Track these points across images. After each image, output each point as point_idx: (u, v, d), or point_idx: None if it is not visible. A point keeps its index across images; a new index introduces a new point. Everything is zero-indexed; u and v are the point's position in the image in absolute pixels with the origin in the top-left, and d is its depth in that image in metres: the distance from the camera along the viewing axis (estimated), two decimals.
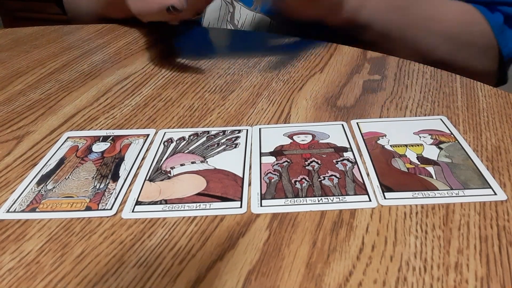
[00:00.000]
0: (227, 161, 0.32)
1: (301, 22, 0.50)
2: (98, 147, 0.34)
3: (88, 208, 0.28)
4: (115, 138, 0.35)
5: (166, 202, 0.28)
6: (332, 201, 0.27)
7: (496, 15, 0.51)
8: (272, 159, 0.32)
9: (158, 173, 0.31)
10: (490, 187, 0.28)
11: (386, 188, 0.28)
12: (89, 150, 0.34)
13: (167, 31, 0.57)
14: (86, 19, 0.63)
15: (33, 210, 0.28)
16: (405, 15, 0.51)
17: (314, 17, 0.49)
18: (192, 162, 0.32)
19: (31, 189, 0.30)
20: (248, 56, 0.49)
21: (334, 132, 0.35)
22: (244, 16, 0.59)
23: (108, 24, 0.60)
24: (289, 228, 0.26)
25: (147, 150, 0.33)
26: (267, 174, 0.30)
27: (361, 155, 0.32)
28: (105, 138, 0.35)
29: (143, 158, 0.32)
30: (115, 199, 0.28)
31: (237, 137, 0.34)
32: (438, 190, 0.28)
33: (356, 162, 0.31)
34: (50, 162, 0.32)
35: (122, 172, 0.31)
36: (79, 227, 0.26)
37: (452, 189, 0.28)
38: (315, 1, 0.46)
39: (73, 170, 0.31)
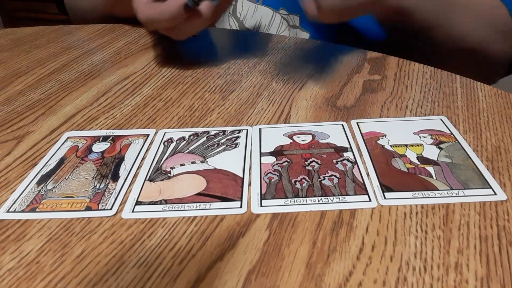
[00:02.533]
0: (227, 161, 0.32)
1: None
2: (98, 147, 0.34)
3: (88, 208, 0.28)
4: (115, 138, 0.35)
5: (166, 202, 0.28)
6: (332, 201, 0.27)
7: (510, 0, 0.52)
8: (272, 159, 0.32)
9: (158, 173, 0.31)
10: (490, 187, 0.28)
11: (386, 188, 0.28)
12: (89, 150, 0.34)
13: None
14: (89, 18, 0.63)
15: (33, 210, 0.28)
16: (443, 4, 0.50)
17: (359, 14, 0.47)
18: (192, 162, 0.32)
19: (31, 189, 0.30)
20: (248, 56, 0.49)
21: (334, 132, 0.35)
22: (246, 9, 0.59)
23: (108, 24, 0.60)
24: (289, 228, 0.26)
25: (147, 150, 0.33)
26: (267, 174, 0.30)
27: (361, 155, 0.32)
28: (105, 138, 0.35)
29: (143, 158, 0.32)
30: (115, 199, 0.28)
31: (237, 137, 0.34)
32: (438, 190, 0.28)
33: (356, 162, 0.31)
34: (50, 162, 0.32)
35: (122, 172, 0.31)
36: (79, 227, 0.26)
37: (452, 189, 0.28)
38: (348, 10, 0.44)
39: (73, 170, 0.31)
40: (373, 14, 0.50)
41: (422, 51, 0.52)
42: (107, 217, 0.27)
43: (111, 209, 0.27)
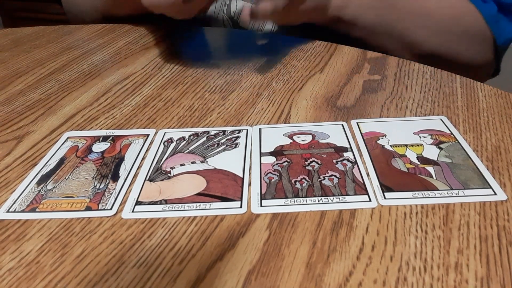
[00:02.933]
0: (227, 161, 0.32)
1: (290, 26, 0.50)
2: (98, 147, 0.34)
3: (88, 208, 0.28)
4: (115, 138, 0.35)
5: (166, 202, 0.28)
6: (332, 201, 0.27)
7: (489, 5, 0.51)
8: (272, 159, 0.32)
9: (158, 173, 0.31)
10: (490, 187, 0.28)
11: (386, 188, 0.28)
12: (89, 150, 0.34)
13: (167, 31, 0.57)
14: (87, 19, 0.63)
15: (33, 210, 0.28)
16: (392, 11, 0.51)
17: (300, 21, 0.49)
18: (192, 162, 0.32)
19: (31, 189, 0.30)
20: (248, 56, 0.49)
21: (334, 132, 0.35)
22: (240, 8, 0.59)
23: (108, 24, 0.60)
24: (289, 228, 0.26)
25: (147, 150, 0.33)
26: (267, 174, 0.30)
27: (361, 155, 0.32)
28: (105, 138, 0.35)
29: (143, 158, 0.32)
30: (115, 199, 0.28)
31: (237, 137, 0.34)
32: (438, 190, 0.28)
33: (356, 162, 0.31)
34: (50, 162, 0.32)
35: (122, 172, 0.31)
36: (79, 227, 0.26)
37: (452, 189, 0.28)
38: (293, 13, 0.46)
39: (73, 170, 0.31)
40: (315, 21, 0.51)
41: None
42: (107, 217, 0.27)
43: (111, 209, 0.27)
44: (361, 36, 0.52)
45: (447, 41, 0.52)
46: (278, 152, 0.33)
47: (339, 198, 0.28)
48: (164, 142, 0.34)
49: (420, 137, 0.34)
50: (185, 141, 0.34)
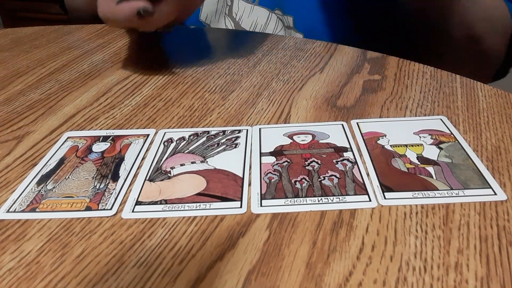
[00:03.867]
0: (227, 161, 0.32)
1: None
2: (98, 147, 0.34)
3: (88, 208, 0.28)
4: (115, 138, 0.35)
5: (166, 202, 0.28)
6: (332, 201, 0.27)
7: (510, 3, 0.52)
8: (272, 159, 0.32)
9: (158, 173, 0.31)
10: (490, 187, 0.28)
11: (386, 188, 0.28)
12: (89, 150, 0.34)
13: (167, 31, 0.57)
14: (83, 18, 0.63)
15: (33, 210, 0.28)
16: None
17: None
18: (192, 162, 0.32)
19: (31, 189, 0.30)
20: (248, 56, 0.49)
21: (334, 132, 0.35)
22: (242, 9, 0.59)
23: None
24: (289, 228, 0.26)
25: (147, 150, 0.33)
26: (267, 174, 0.30)
27: (361, 155, 0.32)
28: (105, 138, 0.35)
29: (143, 158, 0.32)
30: (115, 199, 0.28)
31: (237, 137, 0.34)
32: (438, 190, 0.28)
33: (356, 162, 0.31)
34: (50, 162, 0.32)
35: (122, 172, 0.31)
36: (79, 227, 0.26)
37: (452, 189, 0.28)
38: None
39: (73, 170, 0.31)
40: None
41: (424, 44, 0.52)
42: (107, 217, 0.27)
43: (111, 209, 0.27)
44: (427, 9, 0.50)
45: (488, 27, 0.52)
46: (278, 152, 0.33)
47: (339, 198, 0.28)
48: (164, 142, 0.34)
49: (420, 137, 0.34)
50: (185, 141, 0.34)
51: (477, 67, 0.45)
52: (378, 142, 0.33)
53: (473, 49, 0.49)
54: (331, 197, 0.28)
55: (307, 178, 0.30)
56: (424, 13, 0.51)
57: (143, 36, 0.56)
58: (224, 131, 0.35)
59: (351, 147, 0.33)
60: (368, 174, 0.30)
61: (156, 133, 0.36)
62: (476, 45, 0.50)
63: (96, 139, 0.35)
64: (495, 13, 0.52)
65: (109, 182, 0.30)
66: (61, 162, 0.32)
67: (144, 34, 0.55)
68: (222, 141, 0.34)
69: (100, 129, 0.36)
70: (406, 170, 0.30)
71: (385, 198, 0.28)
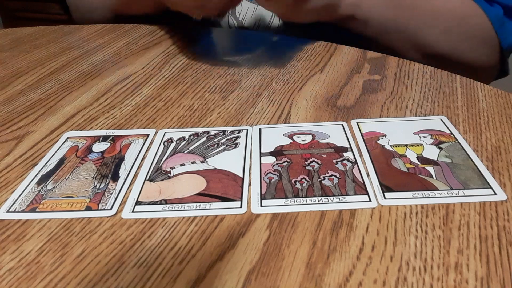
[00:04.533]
0: (227, 161, 0.32)
1: (301, 24, 0.50)
2: (98, 147, 0.34)
3: (88, 208, 0.28)
4: (115, 138, 0.35)
5: (166, 202, 0.28)
6: (332, 201, 0.27)
7: (495, 8, 0.51)
8: (272, 159, 0.32)
9: (158, 173, 0.31)
10: (490, 187, 0.28)
11: (386, 188, 0.28)
12: (89, 150, 0.34)
13: (167, 31, 0.57)
14: (96, 17, 0.63)
15: (33, 210, 0.28)
16: (403, 10, 0.51)
17: (310, 19, 0.49)
18: (192, 162, 0.32)
19: (31, 189, 0.30)
20: (248, 56, 0.49)
21: (334, 132, 0.35)
22: (246, 9, 0.59)
23: (108, 24, 0.60)
24: (289, 228, 0.26)
25: (147, 150, 0.33)
26: (267, 174, 0.30)
27: (361, 155, 0.32)
28: (105, 138, 0.35)
29: (143, 158, 0.32)
30: (115, 199, 0.28)
31: (237, 137, 0.34)
32: (438, 190, 0.28)
33: (356, 162, 0.31)
34: (50, 162, 0.32)
35: (122, 172, 0.31)
36: (79, 227, 0.26)
37: (452, 189, 0.28)
38: (302, 10, 0.46)
39: (73, 170, 0.31)
40: (326, 19, 0.51)
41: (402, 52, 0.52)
42: (107, 217, 0.27)
43: (111, 209, 0.27)
44: (372, 35, 0.51)
45: (455, 42, 0.52)
46: (278, 152, 0.33)
47: (339, 198, 0.28)
48: (164, 142, 0.34)
49: (420, 137, 0.34)
50: (185, 141, 0.34)
51: (468, 74, 0.45)
52: (378, 142, 0.33)
53: (443, 63, 0.49)
54: (331, 197, 0.28)
55: (307, 178, 0.30)
56: (372, 39, 0.52)
57: (144, 36, 0.56)
58: (224, 131, 0.35)
59: (351, 147, 0.33)
60: (368, 174, 0.30)
61: (156, 133, 0.36)
62: (444, 60, 0.49)
63: (96, 139, 0.35)
64: (465, 27, 0.51)
65: (109, 182, 0.30)
66: (61, 162, 0.32)
67: (156, 28, 0.56)
68: (222, 141, 0.34)
69: (100, 129, 0.36)
70: (406, 170, 0.30)
71: (385, 198, 0.28)
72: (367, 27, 0.51)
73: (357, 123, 0.36)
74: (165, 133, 0.35)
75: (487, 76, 0.57)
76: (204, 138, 0.35)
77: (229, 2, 0.44)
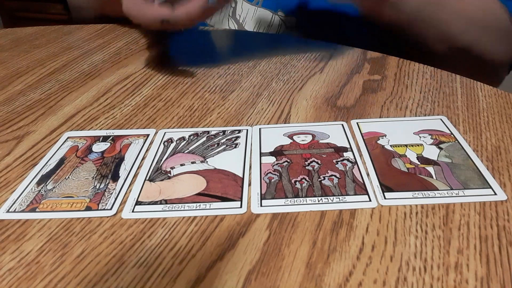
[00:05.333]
0: (227, 161, 0.32)
1: (301, 25, 0.50)
2: (98, 147, 0.34)
3: (88, 208, 0.28)
4: (115, 138, 0.35)
5: (166, 202, 0.28)
6: (332, 201, 0.27)
7: (510, 3, 0.51)
8: (272, 159, 0.32)
9: (158, 173, 0.31)
10: (490, 187, 0.28)
11: (386, 188, 0.28)
12: (89, 150, 0.34)
13: (167, 32, 0.57)
14: (86, 17, 0.63)
15: (33, 210, 0.28)
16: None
17: None
18: (192, 162, 0.32)
19: (31, 189, 0.30)
20: (248, 56, 0.49)
21: (334, 132, 0.35)
22: (246, 11, 0.59)
23: (108, 24, 0.60)
24: (289, 228, 0.26)
25: (147, 150, 0.33)
26: (267, 174, 0.30)
27: (361, 155, 0.32)
28: (105, 138, 0.35)
29: (143, 158, 0.32)
30: (115, 199, 0.28)
31: (237, 137, 0.34)
32: (438, 190, 0.28)
33: (356, 162, 0.31)
34: (50, 162, 0.32)
35: (122, 172, 0.31)
36: (79, 227, 0.26)
37: (452, 189, 0.28)
38: None
39: (73, 170, 0.31)
40: (360, 1, 0.50)
41: (415, 48, 0.52)
42: (107, 217, 0.27)
43: (111, 209, 0.27)
44: (404, 21, 0.50)
45: (479, 34, 0.51)
46: (278, 152, 0.33)
47: (339, 198, 0.28)
48: (164, 142, 0.34)
49: (420, 137, 0.34)
50: (185, 141, 0.34)
51: (476, 72, 0.45)
52: (378, 142, 0.33)
53: (463, 58, 0.49)
54: (331, 197, 0.28)
55: (307, 178, 0.30)
56: (401, 29, 0.51)
57: (143, 36, 0.56)
58: (224, 131, 0.35)
59: (351, 147, 0.33)
60: (368, 174, 0.30)
61: (156, 133, 0.36)
62: (465, 54, 0.49)
63: (96, 139, 0.35)
64: (488, 19, 0.51)
65: (109, 182, 0.30)
66: (61, 162, 0.32)
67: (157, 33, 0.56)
68: (222, 141, 0.34)
69: (100, 129, 0.36)
70: (406, 170, 0.30)
71: (385, 198, 0.28)
72: (399, 12, 0.49)
73: (357, 123, 0.36)
74: (165, 133, 0.35)
75: (502, 74, 0.57)
76: (204, 138, 0.35)
77: (188, 24, 0.43)
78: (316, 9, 0.57)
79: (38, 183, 0.30)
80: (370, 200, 0.28)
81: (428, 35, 0.50)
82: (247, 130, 0.36)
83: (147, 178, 0.30)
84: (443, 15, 0.50)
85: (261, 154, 0.32)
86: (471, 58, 0.48)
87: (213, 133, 0.35)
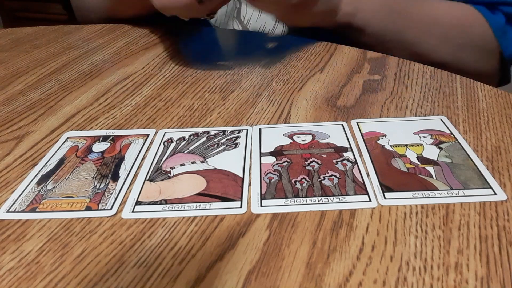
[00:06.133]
0: (227, 161, 0.32)
1: (299, 28, 0.50)
2: (98, 147, 0.34)
3: (88, 208, 0.28)
4: (115, 138, 0.35)
5: (166, 202, 0.28)
6: (332, 201, 0.27)
7: (497, 16, 0.51)
8: (272, 159, 0.32)
9: (158, 173, 0.31)
10: (490, 187, 0.28)
11: (386, 188, 0.28)
12: (89, 150, 0.34)
13: (167, 31, 0.57)
14: (93, 17, 0.63)
15: (33, 210, 0.28)
16: (401, 19, 0.51)
17: (309, 23, 0.49)
18: (192, 162, 0.32)
19: (31, 189, 0.30)
20: (248, 56, 0.49)
21: (334, 132, 0.35)
22: (251, 12, 0.59)
23: (108, 24, 0.60)
24: (289, 228, 0.26)
25: (147, 150, 0.33)
26: (267, 174, 0.30)
27: (361, 155, 0.32)
28: (105, 138, 0.35)
29: (143, 158, 0.32)
30: (115, 199, 0.28)
31: (237, 137, 0.35)
32: (438, 190, 0.28)
33: (356, 162, 0.31)
34: (50, 162, 0.32)
35: (122, 172, 0.31)
36: (79, 227, 0.26)
37: (452, 189, 0.28)
38: (303, 14, 0.46)
39: (73, 170, 0.31)
40: (324, 25, 0.50)
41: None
42: (107, 217, 0.27)
43: (111, 209, 0.27)
44: (370, 43, 0.51)
45: (454, 51, 0.51)
46: (278, 152, 0.33)
47: (339, 198, 0.28)
48: (164, 142, 0.34)
49: (420, 137, 0.34)
50: (185, 141, 0.34)
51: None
52: (378, 142, 0.33)
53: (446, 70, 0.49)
54: (331, 197, 0.28)
55: (307, 178, 0.30)
56: (371, 47, 0.52)
57: (144, 36, 0.56)
58: (224, 131, 0.35)
59: (351, 147, 0.33)
60: (368, 174, 0.30)
61: (156, 133, 0.36)
62: (444, 68, 0.50)
63: (96, 139, 0.35)
64: (464, 36, 0.51)
65: (109, 182, 0.30)
66: (61, 162, 0.32)
67: (157, 28, 0.55)
68: (222, 141, 0.34)
69: (100, 129, 0.36)
70: (406, 170, 0.30)
71: (385, 198, 0.28)
72: (364, 35, 0.51)
73: (357, 123, 0.36)
74: (165, 133, 0.35)
75: (491, 83, 0.57)
76: (204, 138, 0.35)
77: (219, 2, 0.44)
78: None
79: (38, 183, 0.30)
80: (370, 200, 0.28)
81: (398, 54, 0.51)
82: (247, 130, 0.36)
83: (147, 178, 0.30)
84: (411, 36, 0.51)
85: (261, 154, 0.32)
86: (452, 71, 0.48)
87: (213, 133, 0.35)
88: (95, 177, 0.30)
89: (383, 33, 0.51)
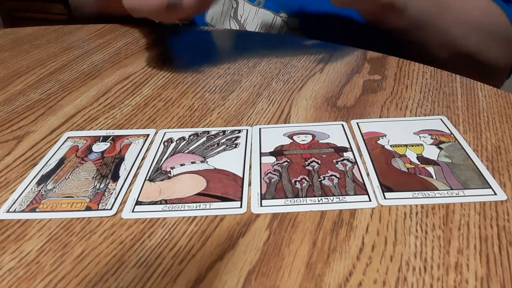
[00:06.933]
0: (227, 161, 0.32)
1: (305, 25, 0.50)
2: (98, 147, 0.34)
3: (88, 208, 0.28)
4: (115, 138, 0.35)
5: (166, 202, 0.28)
6: (332, 201, 0.27)
7: (511, 7, 0.52)
8: (272, 159, 0.32)
9: (158, 173, 0.31)
10: (490, 187, 0.28)
11: (386, 188, 0.28)
12: (89, 150, 0.34)
13: (167, 31, 0.57)
14: (86, 14, 0.63)
15: (33, 210, 0.28)
16: (438, 4, 0.50)
17: (357, 3, 0.48)
18: (192, 162, 0.32)
19: (31, 189, 0.30)
20: (248, 56, 0.49)
21: (334, 132, 0.35)
22: (248, 12, 0.59)
23: (108, 24, 0.60)
24: (289, 228, 0.26)
25: (147, 150, 0.33)
26: (267, 174, 0.30)
27: (361, 155, 0.32)
28: (105, 138, 0.35)
29: (143, 158, 0.32)
30: (115, 199, 0.28)
31: (237, 137, 0.35)
32: (438, 190, 0.28)
33: (356, 162, 0.31)
34: (50, 162, 0.32)
35: (122, 172, 0.31)
36: (79, 227, 0.26)
37: (452, 189, 0.28)
38: None
39: (73, 170, 0.31)
40: (369, 5, 0.50)
41: (418, 53, 0.52)
42: (107, 217, 0.27)
43: (111, 209, 0.27)
44: (406, 28, 0.50)
45: (481, 39, 0.52)
46: (278, 152, 0.33)
47: (339, 198, 0.28)
48: (164, 142, 0.34)
49: (420, 137, 0.34)
50: (185, 141, 0.34)
51: (480, 76, 0.45)
52: (378, 142, 0.33)
53: (466, 63, 0.49)
54: (331, 197, 0.28)
55: (307, 178, 0.30)
56: (404, 35, 0.51)
57: (144, 36, 0.56)
58: (224, 131, 0.35)
59: (351, 147, 0.33)
60: (368, 174, 0.30)
61: (156, 133, 0.36)
62: (468, 60, 0.50)
63: (96, 139, 0.35)
64: (490, 23, 0.52)
65: (109, 182, 0.30)
66: (61, 162, 0.32)
67: (157, 27, 0.55)
68: (222, 141, 0.34)
69: (100, 129, 0.36)
70: (406, 170, 0.30)
71: (385, 198, 0.28)
72: (403, 18, 0.49)
73: (357, 123, 0.36)
74: (165, 133, 0.35)
75: (502, 78, 0.57)
76: (204, 138, 0.35)
77: (195, 8, 0.41)
78: (320, 11, 0.57)
79: (38, 183, 0.30)
80: (370, 200, 0.28)
81: (430, 42, 0.50)
82: (247, 130, 0.36)
83: (147, 178, 0.30)
84: (445, 22, 0.50)
85: (261, 154, 0.32)
86: (473, 63, 0.48)
87: (213, 133, 0.35)
88: (95, 177, 0.30)
89: (422, 17, 0.50)
